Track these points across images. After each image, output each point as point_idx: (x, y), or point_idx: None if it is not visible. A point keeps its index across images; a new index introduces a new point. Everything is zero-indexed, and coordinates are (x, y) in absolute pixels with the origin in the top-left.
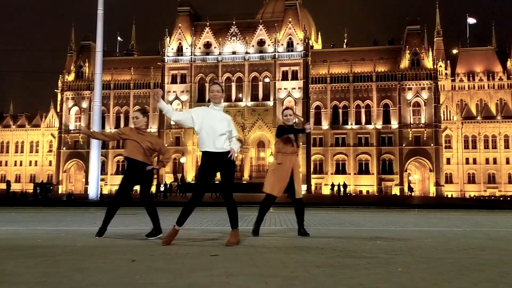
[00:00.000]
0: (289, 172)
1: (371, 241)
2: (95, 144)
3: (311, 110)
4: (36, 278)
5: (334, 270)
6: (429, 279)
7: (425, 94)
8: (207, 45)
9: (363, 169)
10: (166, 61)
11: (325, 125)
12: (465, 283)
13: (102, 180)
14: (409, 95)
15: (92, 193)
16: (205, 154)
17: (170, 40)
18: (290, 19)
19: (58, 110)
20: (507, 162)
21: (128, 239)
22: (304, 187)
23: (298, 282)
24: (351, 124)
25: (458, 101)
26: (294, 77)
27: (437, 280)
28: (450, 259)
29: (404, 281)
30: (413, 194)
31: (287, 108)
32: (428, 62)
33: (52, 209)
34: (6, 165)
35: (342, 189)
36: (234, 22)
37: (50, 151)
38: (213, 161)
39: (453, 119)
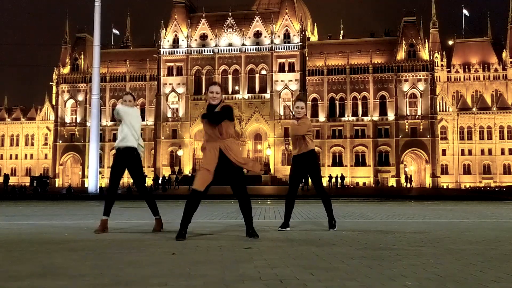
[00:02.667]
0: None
1: (389, 233)
2: (94, 137)
3: (308, 102)
4: (92, 271)
5: (371, 261)
6: (462, 270)
7: (421, 86)
8: (203, 37)
9: (359, 161)
10: (162, 53)
11: (322, 117)
12: (499, 273)
13: (100, 173)
14: (406, 87)
15: (92, 186)
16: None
17: (166, 32)
18: (286, 11)
19: (54, 103)
20: (502, 153)
21: (150, 233)
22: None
23: (343, 273)
24: (348, 116)
25: (454, 93)
26: (291, 69)
27: (471, 271)
28: (474, 250)
29: (440, 271)
30: (410, 185)
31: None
32: (424, 54)
33: (55, 203)
34: (1, 158)
35: (340, 181)
36: (230, 14)
37: (46, 144)
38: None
39: (448, 111)
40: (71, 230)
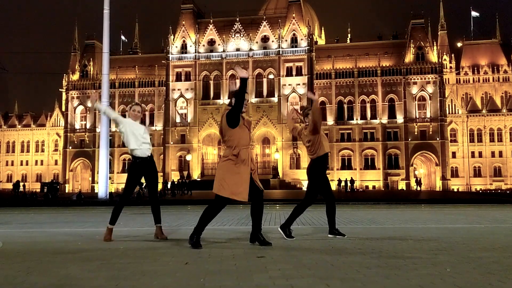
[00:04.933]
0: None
1: (403, 240)
2: (103, 143)
3: None
4: (108, 282)
5: (386, 271)
6: (481, 280)
7: (430, 88)
8: (211, 42)
9: (369, 164)
10: (170, 59)
11: (330, 120)
12: None
13: (109, 178)
14: (414, 89)
15: (101, 192)
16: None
17: (174, 38)
18: (293, 15)
19: (63, 109)
20: None
21: (162, 241)
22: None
23: (359, 284)
24: (357, 119)
25: (463, 95)
26: (299, 73)
27: (490, 280)
28: (491, 258)
29: (459, 282)
30: (420, 188)
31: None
32: (433, 56)
33: (66, 209)
34: (12, 164)
35: (349, 184)
36: (237, 19)
37: (56, 150)
38: (142, 165)
39: (458, 113)
40: (84, 239)
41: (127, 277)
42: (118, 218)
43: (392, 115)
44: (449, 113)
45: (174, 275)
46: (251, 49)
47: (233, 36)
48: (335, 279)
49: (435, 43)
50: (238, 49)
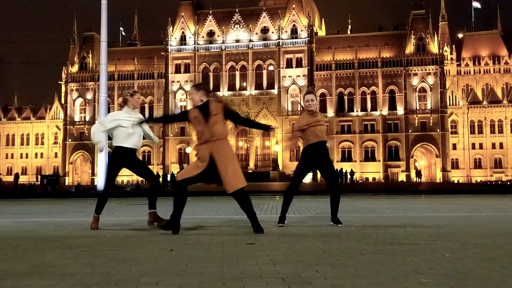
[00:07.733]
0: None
1: (401, 227)
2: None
3: (316, 98)
4: (83, 269)
5: (381, 257)
6: (483, 265)
7: (430, 80)
8: (210, 33)
9: (369, 156)
10: (169, 50)
11: (330, 112)
12: None
13: None
14: (415, 81)
15: (101, 184)
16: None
17: (173, 30)
18: (293, 6)
19: (63, 102)
20: None
21: (152, 229)
22: (310, 175)
23: (351, 270)
24: (357, 111)
25: (464, 86)
26: (299, 64)
27: (492, 266)
28: (493, 244)
29: (458, 267)
30: (420, 180)
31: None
32: (434, 47)
33: (63, 201)
34: (12, 157)
35: (349, 176)
36: (237, 10)
37: (56, 143)
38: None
39: (459, 104)
40: (73, 227)
41: (105, 264)
42: (103, 207)
43: (392, 106)
44: (449, 104)
45: (155, 262)
46: (250, 41)
47: (232, 27)
48: (326, 265)
49: (436, 34)
50: (237, 41)
